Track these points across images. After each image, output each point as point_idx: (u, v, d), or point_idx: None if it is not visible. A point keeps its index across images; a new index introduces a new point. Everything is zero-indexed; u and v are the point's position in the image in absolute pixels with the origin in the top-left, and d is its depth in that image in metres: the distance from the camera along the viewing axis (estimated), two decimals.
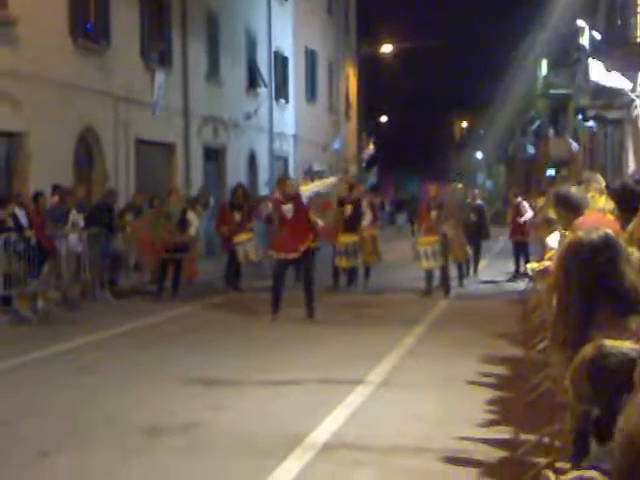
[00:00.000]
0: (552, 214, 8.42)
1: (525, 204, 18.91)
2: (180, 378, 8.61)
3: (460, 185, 19.21)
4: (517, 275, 17.82)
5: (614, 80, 20.31)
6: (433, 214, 15.29)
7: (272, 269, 13.33)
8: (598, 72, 20.00)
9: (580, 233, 3.19)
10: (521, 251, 18.17)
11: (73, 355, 10.06)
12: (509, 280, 17.82)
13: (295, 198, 12.55)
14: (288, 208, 12.46)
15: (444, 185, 17.92)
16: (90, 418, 7.18)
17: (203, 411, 7.35)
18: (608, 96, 22.08)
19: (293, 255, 12.44)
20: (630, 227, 4.93)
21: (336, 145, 37.14)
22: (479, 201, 18.97)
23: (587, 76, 23.94)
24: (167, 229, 15.16)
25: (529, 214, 18.24)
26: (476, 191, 20.06)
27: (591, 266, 3.01)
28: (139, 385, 8.39)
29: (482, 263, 19.96)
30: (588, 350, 2.51)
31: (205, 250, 20.49)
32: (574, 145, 34.17)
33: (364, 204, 16.54)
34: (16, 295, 12.80)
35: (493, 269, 19.84)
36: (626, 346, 2.50)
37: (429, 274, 15.36)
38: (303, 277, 12.85)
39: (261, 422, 7.03)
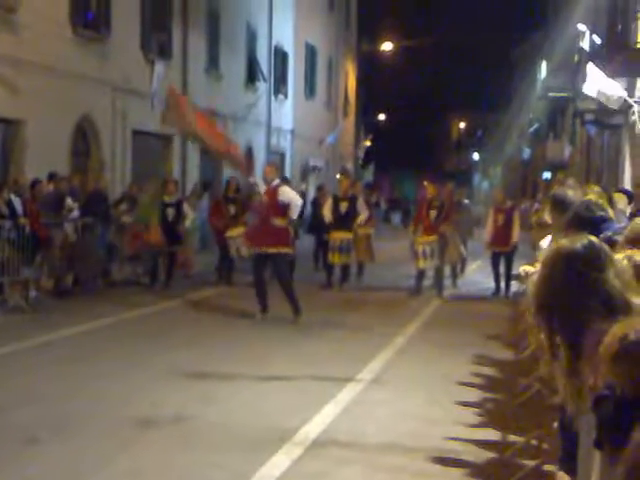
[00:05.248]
0: (546, 217, 8.44)
1: (516, 215, 15.76)
2: (171, 371, 8.61)
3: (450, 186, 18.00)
4: (499, 292, 15.66)
5: (612, 86, 20.31)
6: (432, 214, 15.24)
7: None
8: (596, 79, 19.94)
9: (564, 241, 3.20)
10: (504, 264, 15.52)
11: (64, 344, 10.05)
12: (493, 295, 15.65)
13: (273, 190, 12.01)
14: (264, 199, 12.02)
15: (442, 185, 17.43)
16: (81, 408, 7.19)
17: (193, 404, 7.36)
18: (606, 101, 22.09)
19: (258, 249, 12.03)
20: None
21: (330, 139, 36.99)
22: (465, 201, 18.72)
23: (586, 80, 23.94)
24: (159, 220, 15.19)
25: (516, 233, 15.45)
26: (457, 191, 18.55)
27: (574, 274, 3.01)
28: (130, 376, 8.39)
29: (476, 264, 20.01)
30: (619, 329, 2.52)
31: (199, 243, 20.46)
32: (567, 149, 34.24)
33: (360, 202, 16.45)
34: (9, 283, 12.78)
35: (486, 272, 19.70)
36: None
37: (420, 274, 15.36)
38: (277, 281, 12.28)
39: (251, 417, 7.04)
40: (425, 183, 16.61)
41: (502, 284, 15.65)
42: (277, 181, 12.40)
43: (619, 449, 2.30)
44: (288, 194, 12.32)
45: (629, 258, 4.04)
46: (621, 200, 9.72)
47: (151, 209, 15.38)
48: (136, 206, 15.71)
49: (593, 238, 3.21)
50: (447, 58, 58.69)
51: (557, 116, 40.72)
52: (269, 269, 12.94)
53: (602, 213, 5.07)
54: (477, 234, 18.72)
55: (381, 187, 47.83)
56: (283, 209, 12.06)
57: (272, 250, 11.92)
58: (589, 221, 4.87)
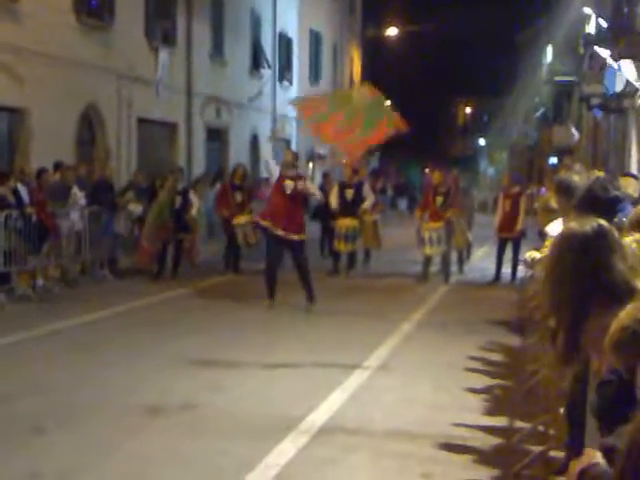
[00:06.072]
0: (552, 202, 8.40)
1: (522, 200, 15.42)
2: (178, 359, 8.62)
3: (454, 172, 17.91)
4: (498, 280, 15.39)
5: (622, 69, 20.24)
6: (439, 200, 15.22)
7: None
8: (605, 57, 19.90)
9: (574, 225, 3.19)
10: (512, 250, 15.24)
11: (72, 333, 10.08)
12: (492, 282, 15.34)
13: (297, 179, 12.00)
14: (289, 184, 11.82)
15: (448, 171, 17.38)
16: (88, 397, 7.20)
17: (200, 392, 7.37)
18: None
19: (282, 233, 11.67)
20: None
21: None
22: (463, 184, 18.57)
23: (592, 64, 23.85)
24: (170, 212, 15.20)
25: (521, 219, 15.13)
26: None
27: (584, 258, 3.01)
28: (137, 365, 8.41)
29: (482, 250, 20.00)
30: (623, 317, 2.47)
31: (206, 231, 20.47)
32: (575, 134, 34.11)
33: (365, 188, 16.41)
34: (16, 272, 12.80)
35: (492, 258, 19.61)
36: None
37: (428, 260, 15.33)
38: (297, 268, 12.08)
39: (258, 404, 7.05)
40: (427, 170, 16.57)
41: (509, 270, 15.44)
42: (296, 170, 12.41)
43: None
44: (311, 184, 12.94)
45: (638, 242, 4.02)
46: (630, 185, 9.64)
47: (168, 206, 15.32)
48: (154, 203, 15.38)
49: (602, 222, 3.20)
50: (452, 43, 58.40)
51: (563, 100, 40.56)
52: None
53: (617, 193, 5.00)
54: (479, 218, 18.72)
55: (387, 173, 47.62)
56: (306, 199, 12.57)
57: (296, 237, 11.83)
58: (604, 201, 4.78)
